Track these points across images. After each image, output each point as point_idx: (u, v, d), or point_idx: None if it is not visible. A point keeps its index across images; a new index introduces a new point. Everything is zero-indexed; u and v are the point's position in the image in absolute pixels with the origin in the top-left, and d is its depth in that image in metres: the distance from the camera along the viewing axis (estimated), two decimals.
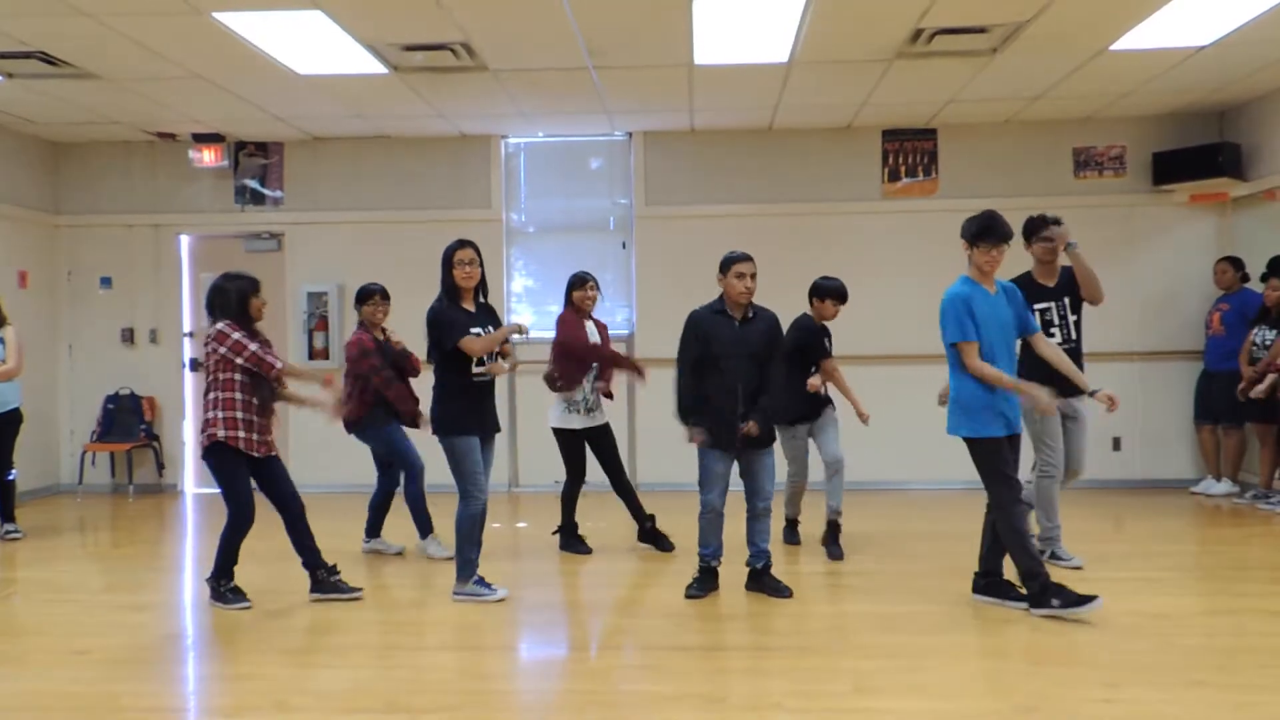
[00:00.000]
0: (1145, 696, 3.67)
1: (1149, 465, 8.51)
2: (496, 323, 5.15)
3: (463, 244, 5.04)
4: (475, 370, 5.00)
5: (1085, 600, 4.51)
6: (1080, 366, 5.18)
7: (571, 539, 6.22)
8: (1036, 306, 5.33)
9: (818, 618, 4.81)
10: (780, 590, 5.09)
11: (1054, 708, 3.58)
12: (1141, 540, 6.30)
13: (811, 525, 6.26)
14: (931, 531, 6.06)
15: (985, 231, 4.64)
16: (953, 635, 4.46)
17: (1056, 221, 5.48)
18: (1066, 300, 5.45)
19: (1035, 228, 5.50)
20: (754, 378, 4.97)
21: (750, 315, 5.03)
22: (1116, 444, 8.49)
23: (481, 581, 5.10)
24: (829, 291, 5.86)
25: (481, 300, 5.15)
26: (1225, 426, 7.83)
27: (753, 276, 4.96)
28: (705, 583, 5.15)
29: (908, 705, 3.64)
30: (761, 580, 5.15)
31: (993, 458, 4.61)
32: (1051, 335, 5.29)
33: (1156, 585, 5.20)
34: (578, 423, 6.05)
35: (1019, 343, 4.88)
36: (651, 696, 3.78)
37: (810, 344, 5.89)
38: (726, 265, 4.98)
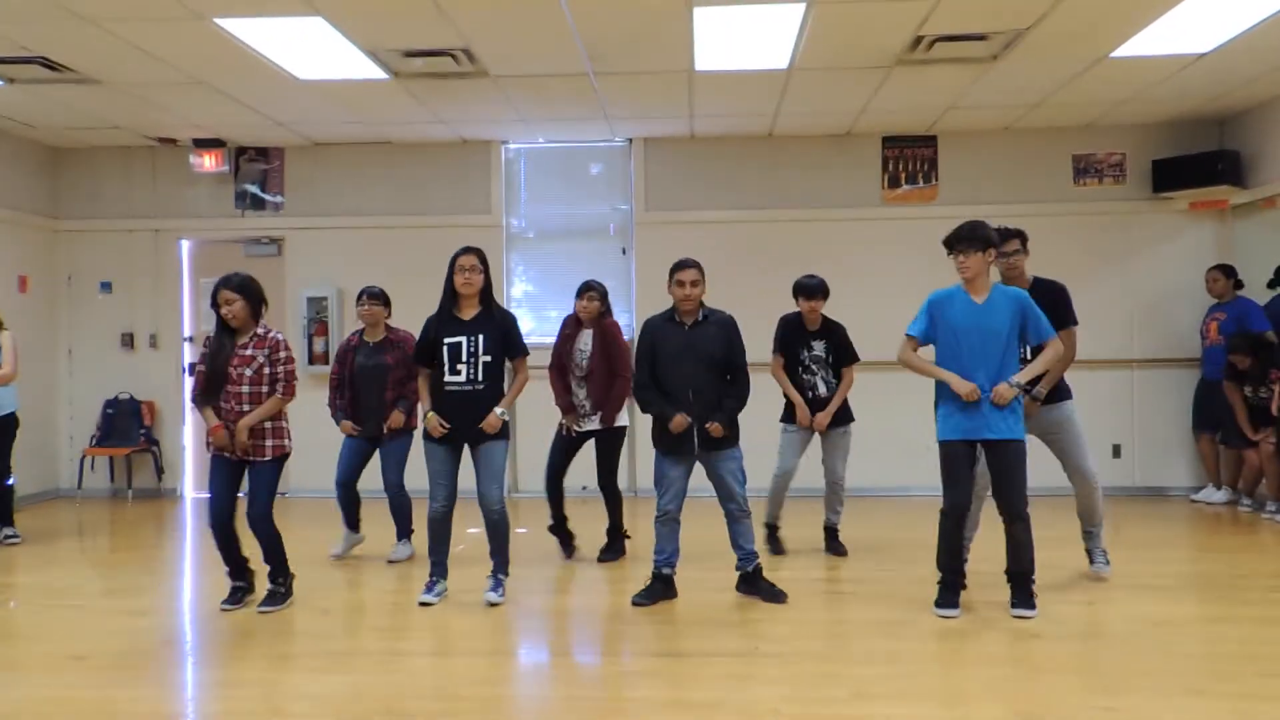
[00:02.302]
0: (1145, 704, 3.66)
1: (1149, 473, 8.50)
2: (494, 333, 4.99)
3: (466, 250, 5.01)
4: (447, 378, 5.00)
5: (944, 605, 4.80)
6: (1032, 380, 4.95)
7: (559, 532, 6.25)
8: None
9: (816, 624, 4.80)
10: (775, 596, 5.08)
11: (1054, 715, 3.57)
12: (1141, 548, 6.28)
13: (806, 531, 6.27)
14: (931, 538, 6.04)
15: (947, 240, 4.72)
16: (952, 642, 4.45)
17: (1018, 233, 5.17)
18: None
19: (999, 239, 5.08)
20: (706, 381, 4.98)
21: (702, 319, 5.06)
22: (1116, 451, 8.49)
23: (429, 582, 5.16)
24: (796, 289, 6.02)
25: (484, 308, 5.04)
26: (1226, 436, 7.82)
27: (693, 284, 5.01)
28: (654, 590, 5.09)
29: (907, 712, 3.64)
30: (755, 584, 5.13)
31: (943, 461, 4.78)
32: None
33: (1157, 593, 5.19)
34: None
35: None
36: (649, 702, 3.78)
37: (780, 337, 6.06)
38: (670, 273, 5.06)
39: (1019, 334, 4.70)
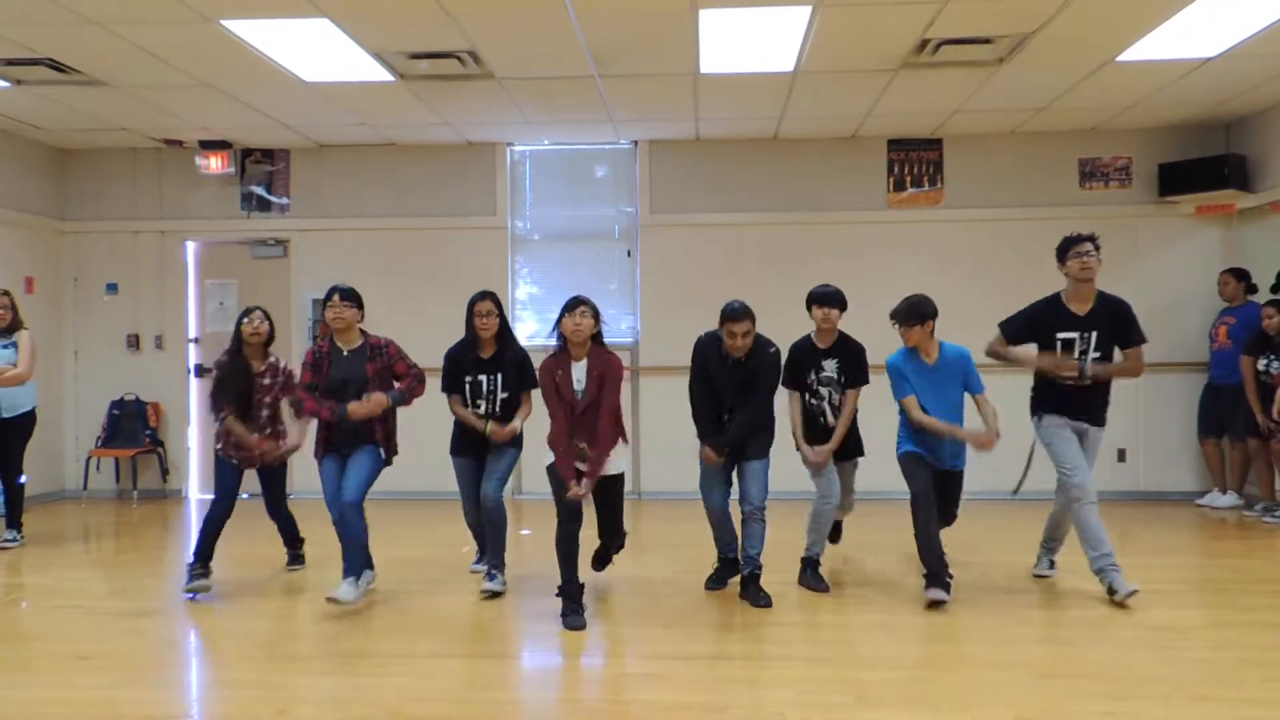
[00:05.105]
0: (1149, 710, 3.66)
1: (1154, 477, 8.49)
2: (509, 372, 5.40)
3: (482, 296, 5.42)
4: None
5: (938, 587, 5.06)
6: (1098, 406, 5.21)
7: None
8: (1060, 335, 5.09)
9: (821, 628, 4.80)
10: (759, 600, 5.12)
11: None
12: (1146, 553, 6.27)
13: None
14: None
15: (892, 314, 5.24)
16: (957, 646, 4.45)
17: (1091, 238, 5.07)
18: (1094, 335, 5.05)
19: (1067, 246, 5.10)
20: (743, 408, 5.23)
21: (747, 359, 5.17)
22: (1121, 455, 8.48)
23: (479, 555, 5.88)
24: (810, 298, 5.51)
25: (500, 347, 5.42)
26: (1231, 439, 7.81)
27: (745, 334, 5.06)
28: (724, 572, 5.47)
29: (911, 716, 3.63)
30: (746, 589, 5.21)
31: (902, 466, 5.31)
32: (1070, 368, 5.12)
33: (1161, 598, 5.17)
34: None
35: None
36: (654, 706, 3.77)
37: (788, 366, 5.46)
38: (720, 320, 5.14)
39: (972, 382, 5.25)
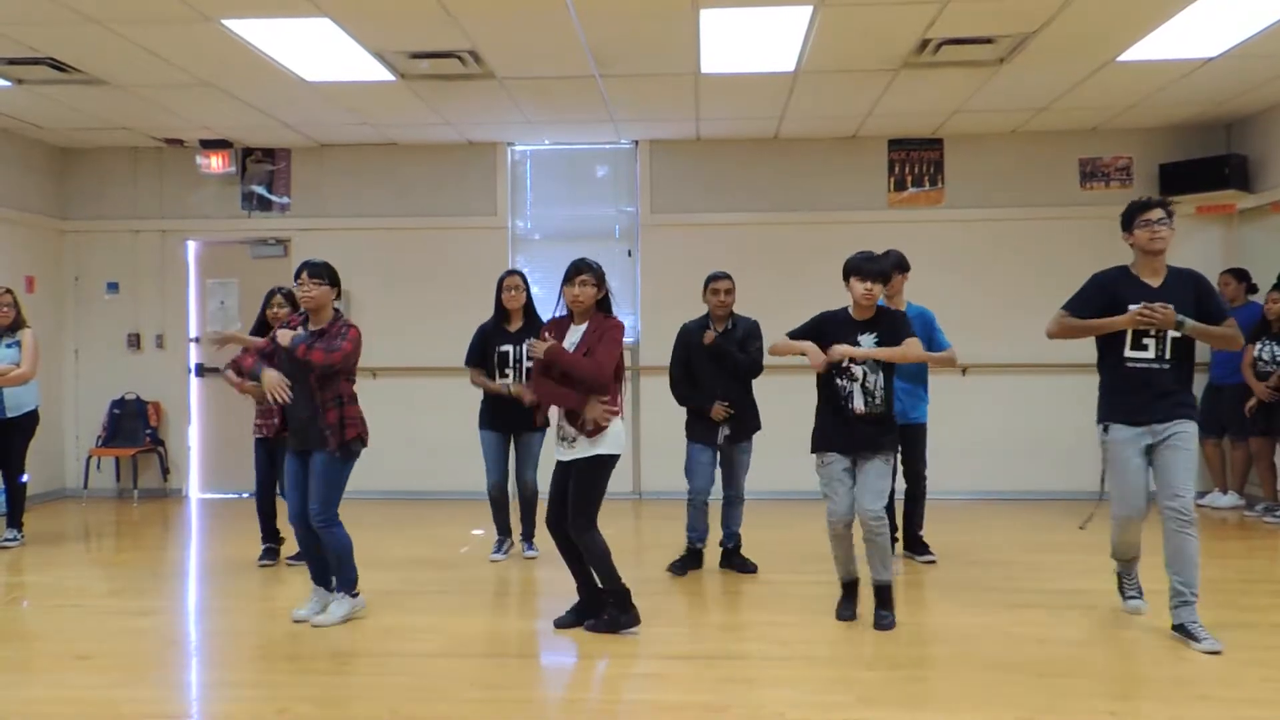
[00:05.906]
0: (1150, 710, 3.66)
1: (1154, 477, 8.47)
2: None
3: (510, 273, 6.18)
4: (497, 380, 6.03)
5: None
6: (1183, 388, 4.44)
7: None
8: (1131, 308, 4.37)
9: (822, 628, 4.79)
10: (746, 567, 5.82)
11: None
12: (1147, 552, 6.25)
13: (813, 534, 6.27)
14: (933, 543, 6.07)
15: (880, 271, 5.26)
16: (957, 646, 4.44)
17: (1163, 204, 4.45)
18: (1173, 309, 4.34)
19: (1134, 212, 4.51)
20: (731, 381, 5.67)
21: (730, 326, 5.76)
22: None
23: (497, 541, 6.29)
24: (849, 268, 4.68)
25: (527, 320, 6.04)
26: (1232, 440, 7.80)
27: (727, 292, 5.73)
28: (688, 562, 5.87)
29: (911, 716, 3.63)
30: (731, 559, 5.89)
31: None
32: (1144, 347, 4.41)
33: (1162, 598, 5.15)
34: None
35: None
36: (655, 705, 3.77)
37: (814, 325, 4.77)
38: (705, 283, 5.79)
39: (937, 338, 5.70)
